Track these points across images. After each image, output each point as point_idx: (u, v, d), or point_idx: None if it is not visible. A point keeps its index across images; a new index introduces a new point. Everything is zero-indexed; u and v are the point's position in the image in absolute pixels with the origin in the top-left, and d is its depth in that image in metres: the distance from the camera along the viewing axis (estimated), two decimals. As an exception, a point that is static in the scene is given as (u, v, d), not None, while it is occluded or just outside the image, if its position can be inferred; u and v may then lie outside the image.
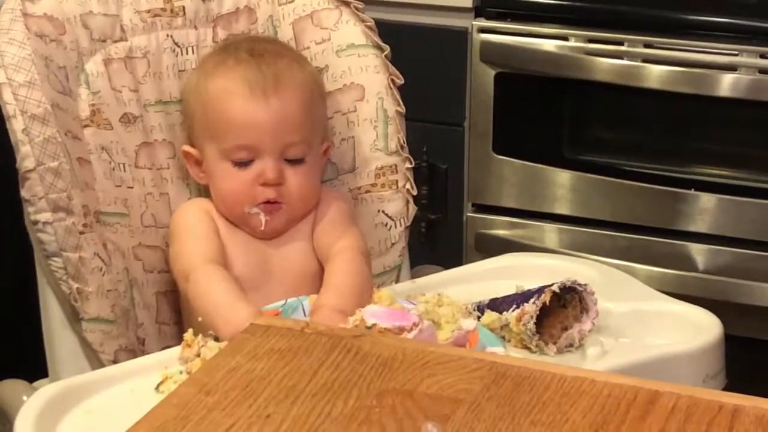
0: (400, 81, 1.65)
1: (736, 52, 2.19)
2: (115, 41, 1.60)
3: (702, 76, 2.21)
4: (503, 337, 1.44)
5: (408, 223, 1.66)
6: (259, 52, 1.55)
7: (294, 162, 1.54)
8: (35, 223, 1.47)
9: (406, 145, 1.65)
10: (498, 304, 1.46)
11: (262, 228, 1.54)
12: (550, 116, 2.38)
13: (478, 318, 1.46)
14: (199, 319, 1.43)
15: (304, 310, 1.45)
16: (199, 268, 1.49)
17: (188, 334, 1.40)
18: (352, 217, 1.61)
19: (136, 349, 1.57)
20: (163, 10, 1.63)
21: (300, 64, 1.57)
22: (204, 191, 1.62)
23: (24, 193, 1.47)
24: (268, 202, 1.53)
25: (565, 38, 2.28)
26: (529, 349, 1.42)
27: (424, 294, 1.50)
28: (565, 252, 2.29)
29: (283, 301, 1.45)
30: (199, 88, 1.56)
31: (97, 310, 1.50)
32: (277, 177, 1.52)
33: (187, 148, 1.59)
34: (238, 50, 1.56)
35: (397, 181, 1.65)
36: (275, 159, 1.52)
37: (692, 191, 2.29)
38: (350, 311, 1.38)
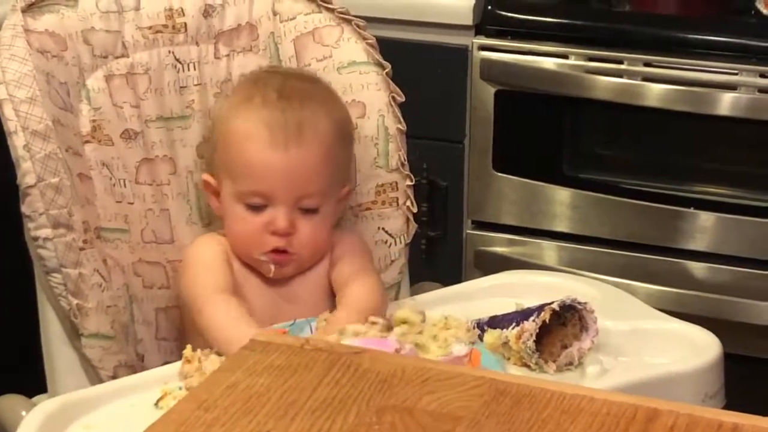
0: (401, 98, 1.65)
1: (735, 71, 2.19)
2: (117, 57, 1.61)
3: (701, 95, 2.21)
4: (502, 355, 1.44)
5: (408, 241, 1.67)
6: (288, 93, 1.52)
7: (308, 212, 1.52)
8: (35, 239, 1.47)
9: (406, 162, 1.65)
10: (497, 322, 1.46)
11: (271, 275, 1.54)
12: (549, 134, 2.38)
13: (480, 337, 1.46)
14: (215, 350, 1.44)
15: (311, 330, 1.45)
16: (209, 298, 1.49)
17: (188, 350, 1.40)
18: (369, 255, 1.62)
19: (136, 365, 1.57)
20: (165, 26, 1.63)
21: (327, 110, 1.54)
22: (206, 213, 1.63)
23: (24, 209, 1.47)
24: (276, 251, 1.53)
25: (565, 56, 2.28)
26: (528, 366, 1.42)
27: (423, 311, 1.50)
28: (564, 270, 2.29)
29: (291, 321, 1.45)
30: (224, 122, 1.55)
31: (96, 326, 1.50)
32: (287, 227, 1.51)
33: (208, 177, 1.58)
34: (267, 87, 1.53)
35: (397, 198, 1.65)
36: (288, 208, 1.51)
37: (691, 209, 2.29)
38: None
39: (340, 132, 1.55)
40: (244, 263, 1.56)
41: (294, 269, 1.56)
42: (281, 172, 1.50)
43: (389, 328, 1.42)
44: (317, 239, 1.54)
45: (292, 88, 1.54)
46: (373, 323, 1.41)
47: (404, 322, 1.45)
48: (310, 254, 1.55)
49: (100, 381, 1.49)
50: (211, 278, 1.52)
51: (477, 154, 2.39)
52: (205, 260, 1.55)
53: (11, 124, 1.47)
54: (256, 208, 1.52)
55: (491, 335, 1.44)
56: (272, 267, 1.53)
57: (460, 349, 1.37)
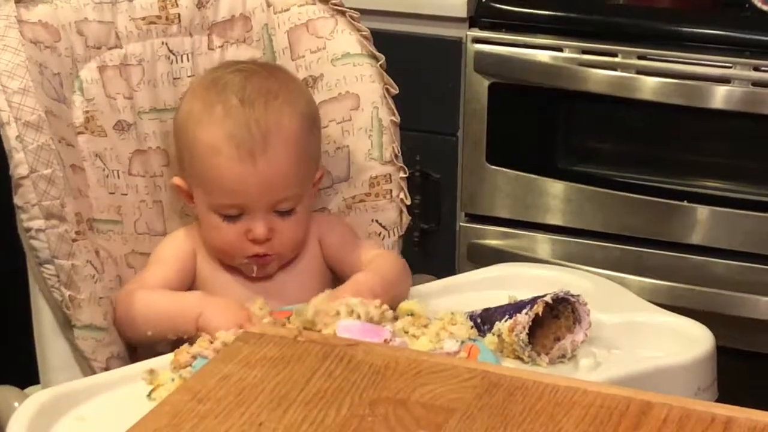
0: (395, 90, 1.65)
1: (729, 65, 2.19)
2: (110, 48, 1.60)
3: (695, 88, 2.21)
4: (500, 351, 1.44)
5: (401, 233, 1.67)
6: (250, 96, 1.49)
7: (284, 213, 1.52)
8: (28, 230, 1.47)
9: (400, 154, 1.65)
10: (491, 315, 1.46)
11: (254, 275, 1.55)
12: (543, 127, 2.38)
13: (477, 328, 1.45)
14: (149, 333, 1.47)
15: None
16: (139, 289, 1.51)
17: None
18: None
19: (128, 356, 1.57)
20: (159, 17, 1.63)
21: (292, 106, 1.51)
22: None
23: (17, 200, 1.47)
24: (257, 255, 1.53)
25: (559, 49, 2.28)
26: (521, 359, 1.42)
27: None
28: (557, 263, 2.29)
29: (293, 306, 1.45)
30: (188, 132, 1.52)
31: (89, 318, 1.49)
32: (266, 233, 1.51)
33: (179, 181, 1.57)
34: (227, 91, 1.50)
35: (391, 190, 1.65)
36: (264, 214, 1.51)
37: (685, 203, 2.29)
38: (382, 294, 1.43)
39: (308, 123, 1.54)
40: (218, 261, 1.56)
41: (277, 266, 1.56)
42: (253, 185, 1.49)
43: (393, 318, 1.42)
44: (297, 237, 1.55)
45: (254, 89, 1.50)
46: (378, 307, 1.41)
47: (411, 313, 1.44)
48: (291, 252, 1.56)
49: (93, 372, 1.49)
50: (156, 275, 1.53)
51: (471, 147, 2.39)
52: (158, 256, 1.56)
53: (4, 115, 1.46)
54: (231, 218, 1.51)
55: (491, 342, 1.44)
56: (255, 268, 1.54)
57: (450, 345, 1.37)
